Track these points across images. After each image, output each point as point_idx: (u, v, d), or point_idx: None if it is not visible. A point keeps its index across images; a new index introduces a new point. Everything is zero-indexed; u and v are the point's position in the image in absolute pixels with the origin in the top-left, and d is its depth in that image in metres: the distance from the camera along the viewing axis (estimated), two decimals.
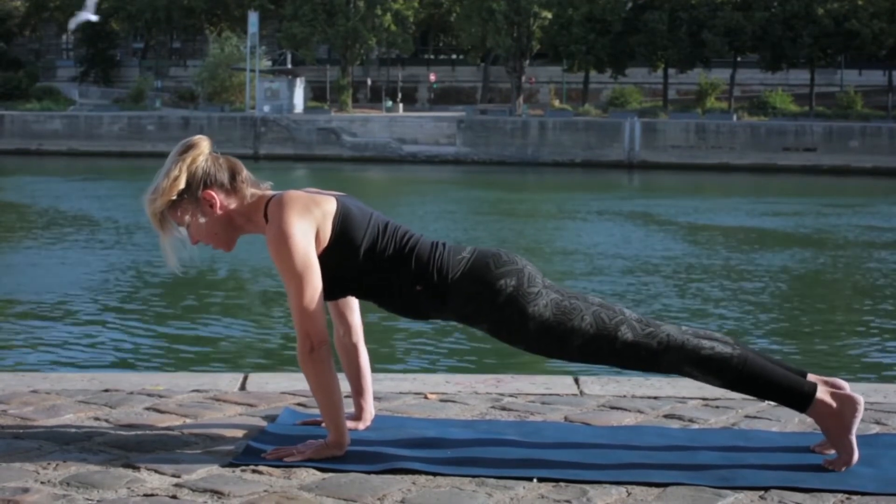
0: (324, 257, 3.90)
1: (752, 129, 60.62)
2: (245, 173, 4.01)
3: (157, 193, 3.91)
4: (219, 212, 3.95)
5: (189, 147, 3.95)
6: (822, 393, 3.87)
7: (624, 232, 27.51)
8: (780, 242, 25.69)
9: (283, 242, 3.83)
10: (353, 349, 4.25)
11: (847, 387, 3.98)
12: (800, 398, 3.87)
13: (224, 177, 3.96)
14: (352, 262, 3.92)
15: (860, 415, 3.84)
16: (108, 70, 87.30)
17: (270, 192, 4.00)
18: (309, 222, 3.87)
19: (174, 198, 3.91)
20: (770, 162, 57.85)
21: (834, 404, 3.85)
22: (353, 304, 4.26)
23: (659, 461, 3.85)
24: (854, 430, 3.82)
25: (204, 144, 3.97)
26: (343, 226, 3.92)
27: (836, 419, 3.84)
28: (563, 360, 3.98)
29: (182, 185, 3.90)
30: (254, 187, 4.00)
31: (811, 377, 4.01)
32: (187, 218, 3.94)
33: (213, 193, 3.93)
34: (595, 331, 3.87)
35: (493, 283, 3.89)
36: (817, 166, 57.08)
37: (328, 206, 3.93)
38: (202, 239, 3.99)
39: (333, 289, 3.97)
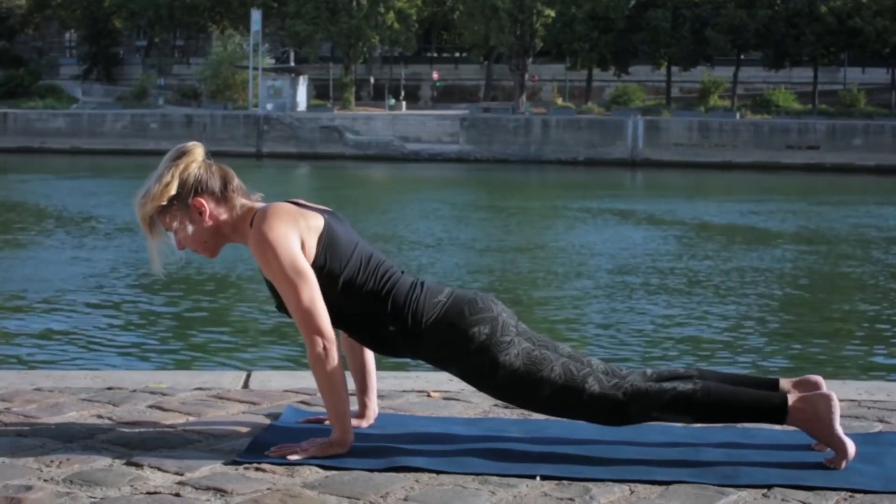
0: None
1: (755, 127, 60.57)
2: (236, 182, 4.01)
3: (148, 198, 3.92)
4: (207, 220, 3.96)
5: (183, 153, 3.96)
6: (794, 401, 3.88)
7: (622, 231, 27.49)
8: (782, 241, 25.68)
9: (267, 247, 3.84)
10: (359, 347, 4.25)
11: (823, 383, 4.01)
12: (773, 413, 3.90)
13: (215, 185, 3.97)
14: (329, 288, 3.93)
15: (837, 409, 3.84)
16: (110, 68, 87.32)
17: (260, 204, 4.01)
18: (294, 231, 3.88)
19: (164, 203, 3.92)
20: (773, 160, 57.80)
21: (808, 408, 3.86)
22: None
23: (662, 459, 3.85)
24: (837, 425, 3.83)
25: (198, 151, 3.98)
26: (327, 248, 3.93)
27: (815, 421, 3.85)
28: (531, 411, 4.00)
29: (173, 191, 3.92)
30: (244, 197, 4.01)
31: (783, 382, 4.05)
32: (175, 224, 3.96)
33: (203, 201, 3.94)
34: (563, 382, 3.90)
35: (466, 331, 3.91)
36: (820, 164, 57.03)
37: (315, 221, 3.94)
38: (189, 245, 4.00)
39: None
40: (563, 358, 3.96)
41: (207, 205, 3.95)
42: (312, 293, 3.85)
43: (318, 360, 3.84)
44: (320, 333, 3.84)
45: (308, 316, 3.84)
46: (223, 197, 3.97)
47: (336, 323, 3.99)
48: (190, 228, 3.95)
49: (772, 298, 17.60)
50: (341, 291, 3.93)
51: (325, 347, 3.83)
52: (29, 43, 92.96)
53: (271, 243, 3.83)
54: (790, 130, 59.72)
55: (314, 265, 3.89)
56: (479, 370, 3.92)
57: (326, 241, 3.93)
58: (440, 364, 4.00)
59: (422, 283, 4.02)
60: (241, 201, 3.99)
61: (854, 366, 12.87)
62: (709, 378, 4.01)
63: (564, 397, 3.90)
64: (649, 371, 4.09)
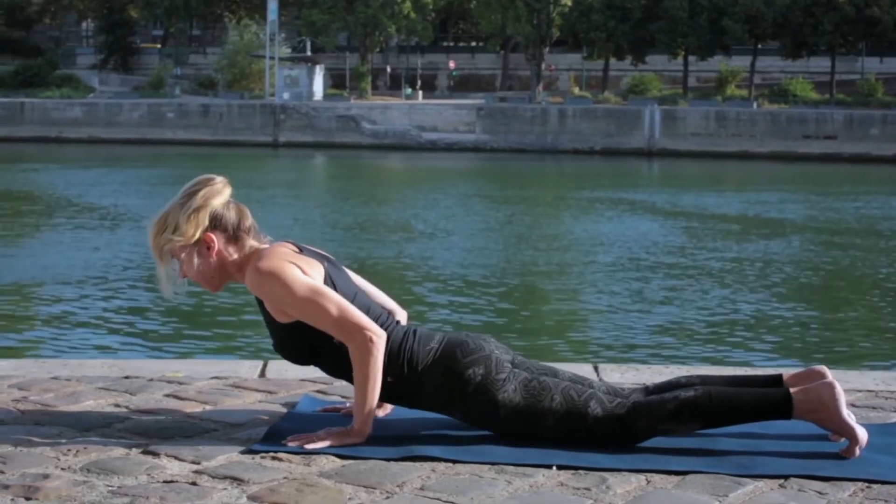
0: (296, 325, 3.93)
1: (772, 116, 60.38)
2: (250, 223, 4.03)
3: (170, 232, 3.92)
4: (213, 256, 3.97)
5: (214, 193, 3.96)
6: (798, 393, 3.89)
7: (634, 222, 27.44)
8: (798, 232, 25.63)
9: (271, 278, 3.86)
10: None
11: (827, 373, 4.01)
12: (778, 410, 3.91)
13: (229, 223, 3.99)
14: (325, 339, 3.95)
15: (841, 397, 3.85)
16: (127, 58, 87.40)
17: (266, 247, 4.02)
18: (293, 265, 3.90)
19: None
20: (790, 150, 57.62)
21: (812, 398, 3.87)
22: (380, 295, 4.28)
23: (678, 448, 3.85)
24: (843, 412, 3.84)
25: (227, 192, 4.00)
26: None
27: (822, 411, 3.86)
28: (540, 440, 3.97)
29: (200, 233, 3.95)
30: (255, 239, 4.04)
31: (787, 377, 4.06)
32: (183, 254, 3.98)
33: (213, 237, 3.96)
34: (566, 409, 3.91)
35: (461, 374, 3.92)
36: (838, 154, 56.85)
37: (315, 268, 3.96)
38: (191, 276, 4.03)
39: (304, 356, 4.00)
40: (563, 383, 3.97)
41: (217, 241, 3.97)
42: (335, 299, 3.88)
43: (364, 352, 3.85)
44: (362, 328, 3.87)
45: (343, 321, 3.86)
46: (234, 236, 4.00)
47: (332, 370, 4.02)
48: (196, 261, 3.98)
49: (787, 290, 17.57)
50: (339, 343, 3.95)
51: (371, 339, 3.85)
52: (46, 33, 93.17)
53: (274, 273, 3.86)
54: (807, 120, 59.52)
55: None
56: (480, 411, 3.93)
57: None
58: (442, 410, 3.99)
59: (414, 331, 4.04)
60: (250, 242, 4.02)
61: (869, 356, 12.85)
62: (711, 383, 4.02)
63: (569, 424, 3.91)
64: (651, 385, 4.12)
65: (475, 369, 3.92)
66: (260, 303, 3.99)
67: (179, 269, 4.01)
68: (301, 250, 4.01)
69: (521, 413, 3.90)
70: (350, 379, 3.97)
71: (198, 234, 3.93)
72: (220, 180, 4.00)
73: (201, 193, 3.94)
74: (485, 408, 3.91)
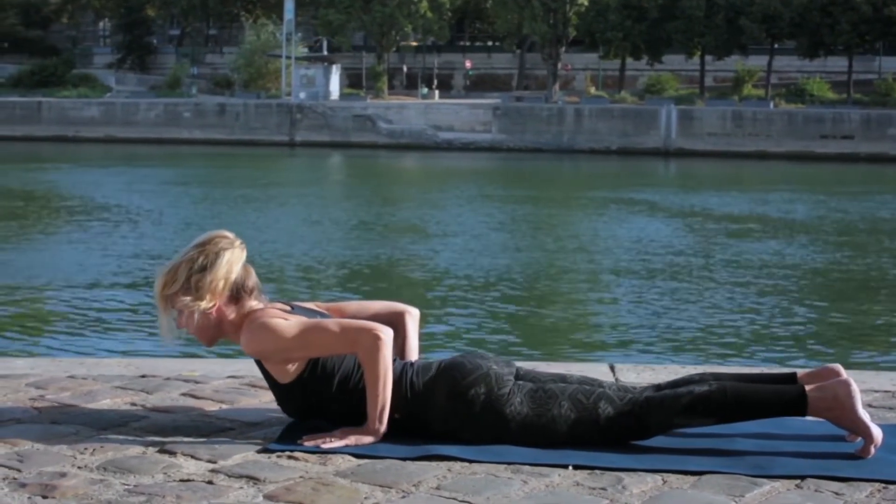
0: (297, 382, 3.95)
1: (789, 116, 60.23)
2: (252, 283, 4.06)
3: (183, 290, 3.94)
4: (214, 314, 4.00)
5: (236, 261, 3.99)
6: (813, 391, 3.89)
7: (648, 223, 27.38)
8: (813, 233, 25.56)
9: (259, 332, 3.91)
10: (400, 340, 4.22)
11: (842, 371, 4.00)
12: (793, 405, 3.90)
13: (235, 284, 4.01)
14: (324, 387, 3.96)
15: (857, 394, 3.85)
16: (144, 57, 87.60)
17: (261, 307, 4.05)
18: (278, 319, 3.95)
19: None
20: (807, 149, 57.45)
21: (828, 395, 3.87)
22: (388, 305, 4.29)
23: (694, 449, 3.85)
24: (859, 410, 3.83)
25: (244, 256, 4.02)
26: None
27: (838, 409, 3.86)
28: (557, 449, 3.94)
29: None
30: (255, 299, 4.06)
31: (801, 374, 4.06)
32: (186, 310, 4.00)
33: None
34: (577, 414, 3.90)
35: (464, 395, 3.92)
36: (855, 154, 56.68)
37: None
38: (188, 329, 4.06)
39: (309, 411, 4.03)
40: (571, 387, 3.96)
41: (219, 301, 3.99)
42: (329, 320, 3.95)
43: (373, 350, 3.87)
44: (365, 329, 3.90)
45: (345, 332, 3.90)
46: (236, 296, 4.03)
47: (336, 419, 4.01)
48: (196, 316, 4.00)
49: (802, 290, 17.52)
50: (337, 390, 3.97)
51: (377, 337, 3.87)
52: (63, 32, 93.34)
53: (261, 328, 3.91)
54: (824, 120, 59.34)
55: (308, 367, 3.95)
56: (491, 429, 3.92)
57: None
58: (453, 435, 3.95)
59: (412, 364, 4.06)
60: (250, 303, 4.04)
61: (889, 357, 12.80)
62: (724, 379, 4.01)
63: (582, 428, 3.90)
64: (663, 384, 4.11)
65: (477, 389, 3.91)
66: (260, 365, 4.04)
67: (178, 320, 4.03)
68: (292, 308, 4.06)
69: (531, 424, 3.90)
70: (359, 424, 3.99)
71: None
72: (238, 244, 4.02)
73: (226, 260, 3.97)
74: (494, 425, 3.91)
